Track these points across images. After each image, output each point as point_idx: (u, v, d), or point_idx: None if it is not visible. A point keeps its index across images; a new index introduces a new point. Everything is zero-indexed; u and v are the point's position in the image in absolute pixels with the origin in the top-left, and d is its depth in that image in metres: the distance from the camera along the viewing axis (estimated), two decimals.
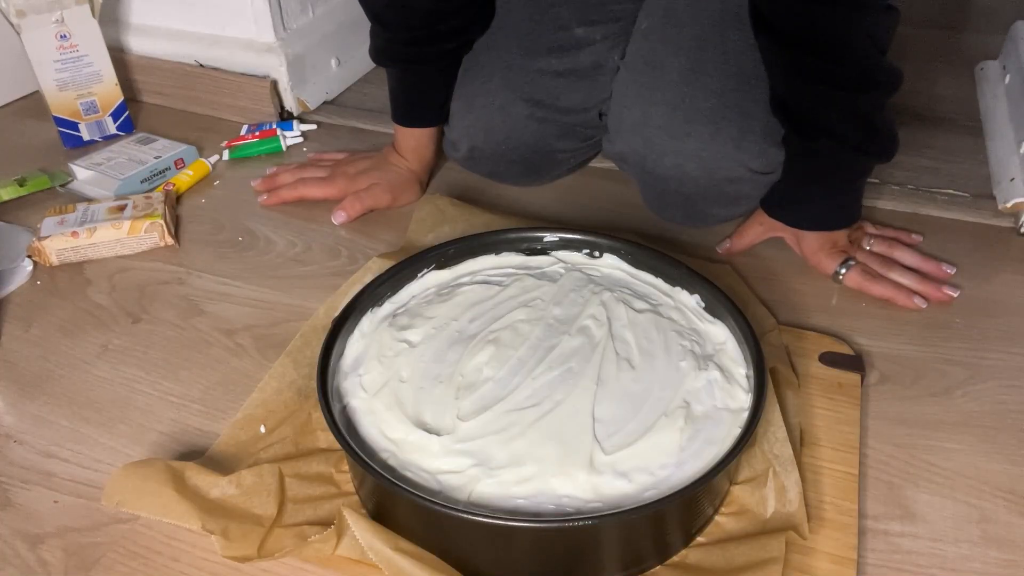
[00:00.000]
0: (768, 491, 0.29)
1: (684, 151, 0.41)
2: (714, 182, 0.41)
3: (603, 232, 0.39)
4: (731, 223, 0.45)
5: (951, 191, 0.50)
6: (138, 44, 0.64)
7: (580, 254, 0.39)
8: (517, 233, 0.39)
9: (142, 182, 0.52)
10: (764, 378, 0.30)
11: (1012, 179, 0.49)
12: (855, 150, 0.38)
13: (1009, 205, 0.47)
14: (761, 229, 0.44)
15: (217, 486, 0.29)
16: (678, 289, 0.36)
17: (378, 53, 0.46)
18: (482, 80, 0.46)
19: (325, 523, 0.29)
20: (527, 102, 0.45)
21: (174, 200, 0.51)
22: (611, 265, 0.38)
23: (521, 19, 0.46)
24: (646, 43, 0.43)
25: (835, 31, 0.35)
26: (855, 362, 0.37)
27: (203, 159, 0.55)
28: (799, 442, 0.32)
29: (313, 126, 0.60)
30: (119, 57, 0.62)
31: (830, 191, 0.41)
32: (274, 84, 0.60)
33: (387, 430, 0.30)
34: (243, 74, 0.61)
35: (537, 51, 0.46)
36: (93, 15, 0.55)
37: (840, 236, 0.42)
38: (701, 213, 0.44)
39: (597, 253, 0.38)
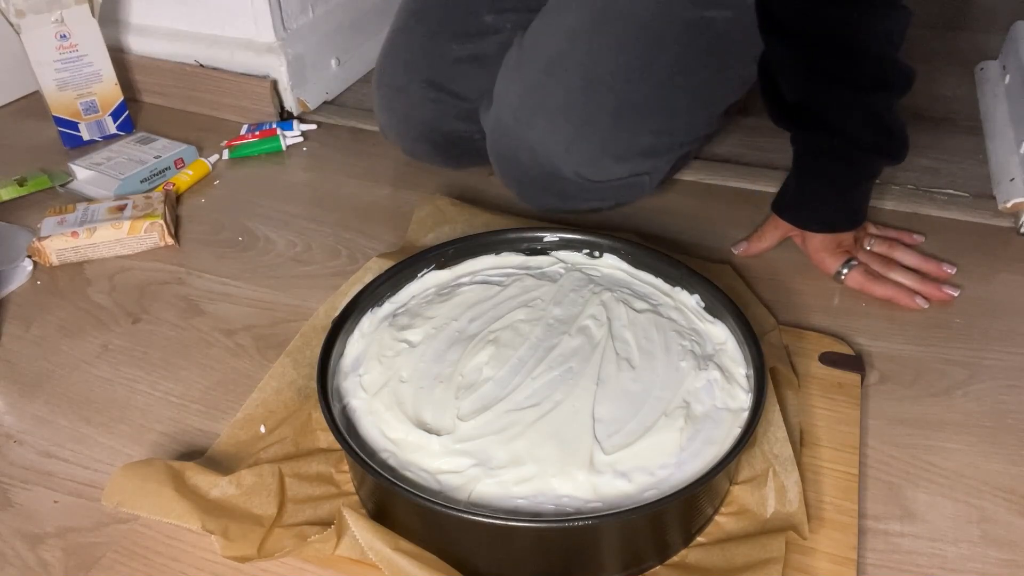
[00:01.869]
0: (768, 491, 0.29)
1: (521, 139, 0.41)
2: (542, 174, 0.42)
3: (603, 232, 0.39)
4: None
5: (951, 191, 0.50)
6: (138, 44, 0.64)
7: (580, 254, 0.39)
8: (517, 233, 0.39)
9: (142, 182, 0.52)
10: (764, 378, 0.30)
11: (1012, 179, 0.49)
12: (868, 151, 0.38)
13: (1009, 205, 0.47)
14: (778, 233, 0.44)
15: (217, 486, 0.29)
16: (678, 289, 0.36)
17: None
18: (390, 61, 0.49)
19: (325, 523, 0.29)
20: (424, 83, 0.46)
21: (174, 200, 0.51)
22: (611, 265, 0.38)
23: (436, 3, 0.47)
24: (534, 22, 0.43)
25: (851, 33, 0.35)
26: (855, 362, 0.37)
27: (203, 159, 0.55)
28: (799, 442, 0.32)
29: (313, 126, 0.60)
30: (119, 57, 0.62)
31: (839, 193, 0.41)
32: (274, 84, 0.60)
33: (387, 430, 0.30)
34: (243, 74, 0.61)
35: (442, 35, 0.47)
36: (93, 15, 0.55)
37: (846, 237, 0.42)
38: (532, 198, 0.45)
39: (597, 253, 0.38)
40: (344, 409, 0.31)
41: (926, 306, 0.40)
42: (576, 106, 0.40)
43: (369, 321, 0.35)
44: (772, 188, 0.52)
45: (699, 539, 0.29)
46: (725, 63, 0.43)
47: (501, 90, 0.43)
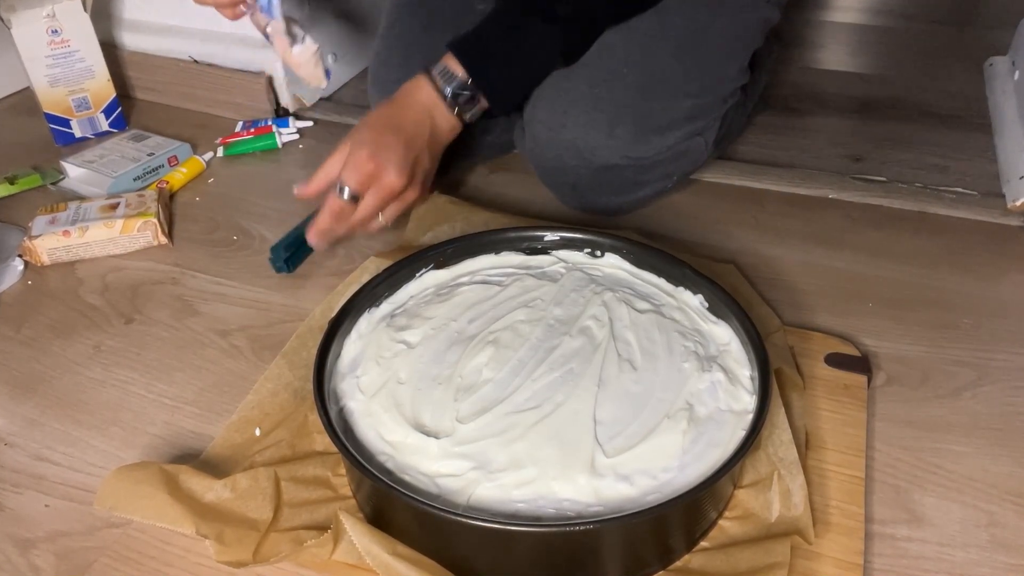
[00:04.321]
0: (773, 495, 0.29)
1: (560, 142, 0.42)
2: (592, 171, 0.42)
3: (605, 231, 0.38)
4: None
5: (959, 189, 0.50)
6: (131, 39, 0.63)
7: (581, 253, 0.38)
8: (517, 232, 0.38)
9: (135, 180, 0.52)
10: (769, 380, 0.30)
11: (1021, 177, 0.48)
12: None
13: (1018, 203, 0.47)
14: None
15: (212, 490, 0.29)
16: (681, 289, 0.36)
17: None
18: (384, 57, 0.48)
19: (322, 527, 0.29)
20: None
21: (168, 198, 0.50)
22: (613, 265, 0.38)
23: None
24: None
25: None
26: (861, 363, 0.36)
27: (197, 156, 0.54)
28: (804, 445, 0.32)
29: (309, 123, 0.59)
30: (112, 53, 0.61)
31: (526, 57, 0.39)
32: (270, 80, 0.60)
33: (385, 432, 0.30)
34: (238, 70, 0.60)
35: (435, 26, 0.46)
36: (85, 10, 0.55)
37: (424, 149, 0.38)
38: (593, 202, 0.45)
39: (599, 252, 0.38)
40: (341, 411, 0.31)
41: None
42: (602, 93, 0.40)
43: (367, 322, 0.35)
44: (776, 187, 0.51)
45: (703, 544, 0.29)
46: (740, 6, 0.42)
47: (529, 113, 0.44)
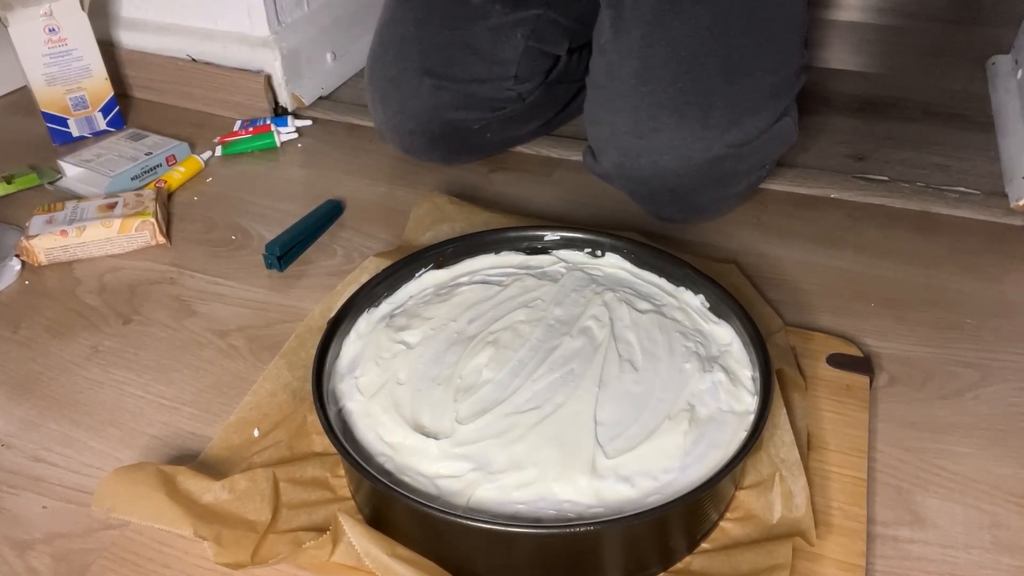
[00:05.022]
0: (774, 496, 0.29)
1: (655, 147, 0.41)
2: (693, 168, 0.41)
3: (605, 231, 0.38)
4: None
5: (962, 188, 0.50)
6: (129, 38, 0.63)
7: (582, 253, 0.38)
8: (517, 232, 0.38)
9: (133, 179, 0.51)
10: (770, 380, 0.30)
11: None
12: None
13: (1021, 203, 0.47)
14: None
15: (210, 491, 0.29)
16: (682, 289, 0.36)
17: None
18: (381, 53, 0.48)
19: (320, 529, 0.29)
20: (418, 71, 0.46)
21: (166, 197, 0.50)
22: (614, 264, 0.38)
23: None
24: (604, 58, 0.43)
25: None
26: (863, 364, 0.36)
27: (195, 155, 0.54)
28: (806, 446, 0.32)
29: (308, 122, 0.59)
30: (109, 51, 0.61)
31: None
32: (268, 79, 0.59)
33: (384, 433, 0.30)
34: (236, 69, 0.60)
35: (431, 22, 0.46)
36: (82, 8, 0.54)
37: None
38: (695, 204, 0.44)
39: (599, 252, 0.38)
40: (340, 412, 0.31)
41: None
42: (687, 86, 0.40)
43: (366, 322, 0.35)
44: (777, 186, 0.51)
45: (704, 545, 0.29)
46: None
47: (608, 131, 0.42)
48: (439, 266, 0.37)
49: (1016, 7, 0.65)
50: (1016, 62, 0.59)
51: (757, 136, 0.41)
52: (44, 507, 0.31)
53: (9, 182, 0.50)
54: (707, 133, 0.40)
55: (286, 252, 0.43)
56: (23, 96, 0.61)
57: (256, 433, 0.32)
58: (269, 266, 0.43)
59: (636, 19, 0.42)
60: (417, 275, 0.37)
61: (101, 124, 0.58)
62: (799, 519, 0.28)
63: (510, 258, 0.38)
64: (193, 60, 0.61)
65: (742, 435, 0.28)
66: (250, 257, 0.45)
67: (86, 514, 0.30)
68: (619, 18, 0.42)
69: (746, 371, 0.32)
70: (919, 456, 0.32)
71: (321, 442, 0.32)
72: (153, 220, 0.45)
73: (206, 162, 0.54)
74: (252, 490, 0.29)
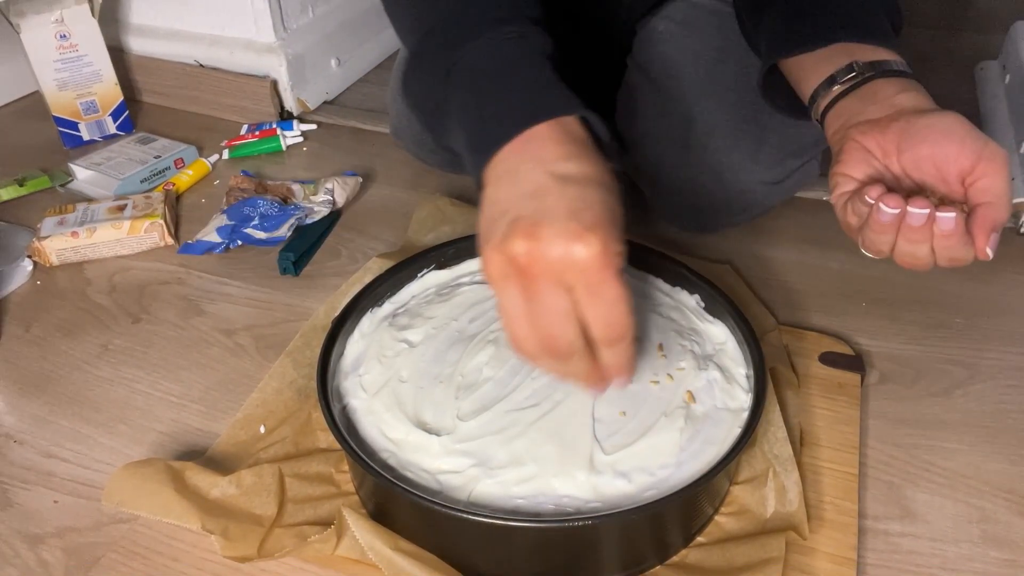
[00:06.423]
0: (768, 491, 0.29)
1: (700, 164, 0.40)
2: (728, 194, 0.41)
3: None
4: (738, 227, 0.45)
5: None
6: (138, 44, 0.64)
7: None
8: None
9: (142, 182, 0.52)
10: (764, 378, 0.30)
11: (1012, 179, 0.49)
12: None
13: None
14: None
15: (217, 486, 0.29)
16: (678, 289, 0.36)
17: None
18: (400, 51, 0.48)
19: (325, 523, 0.29)
20: None
21: (174, 200, 0.51)
22: None
23: None
24: (662, 48, 0.41)
25: None
26: (855, 362, 0.37)
27: (203, 159, 0.55)
28: (799, 442, 0.32)
29: (313, 126, 0.60)
30: (119, 57, 0.62)
31: None
32: (274, 84, 0.60)
33: (387, 430, 0.30)
34: (243, 74, 0.61)
35: None
36: (93, 15, 0.55)
37: None
38: (712, 222, 0.44)
39: None
40: (344, 409, 0.31)
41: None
42: (748, 117, 0.38)
43: (369, 321, 0.35)
44: None
45: (699, 539, 0.29)
46: None
47: (652, 128, 0.41)
48: (441, 266, 0.38)
49: (1003, 14, 0.66)
50: (1004, 67, 0.59)
51: (789, 176, 0.41)
52: (55, 502, 0.31)
53: (21, 184, 0.51)
54: (754, 167, 0.39)
55: (299, 256, 0.44)
56: (35, 101, 0.62)
57: (262, 430, 0.33)
58: (284, 271, 0.44)
59: (713, 25, 0.39)
60: (419, 275, 0.37)
61: (111, 128, 0.58)
62: (792, 513, 0.29)
63: None
64: (201, 65, 0.62)
65: (736, 432, 0.29)
66: (256, 258, 0.46)
67: (96, 508, 0.31)
68: (693, 15, 0.40)
69: (741, 369, 0.32)
70: (909, 452, 0.33)
71: (326, 438, 0.33)
72: (162, 221, 0.46)
73: (213, 165, 0.55)
74: (258, 485, 0.29)
